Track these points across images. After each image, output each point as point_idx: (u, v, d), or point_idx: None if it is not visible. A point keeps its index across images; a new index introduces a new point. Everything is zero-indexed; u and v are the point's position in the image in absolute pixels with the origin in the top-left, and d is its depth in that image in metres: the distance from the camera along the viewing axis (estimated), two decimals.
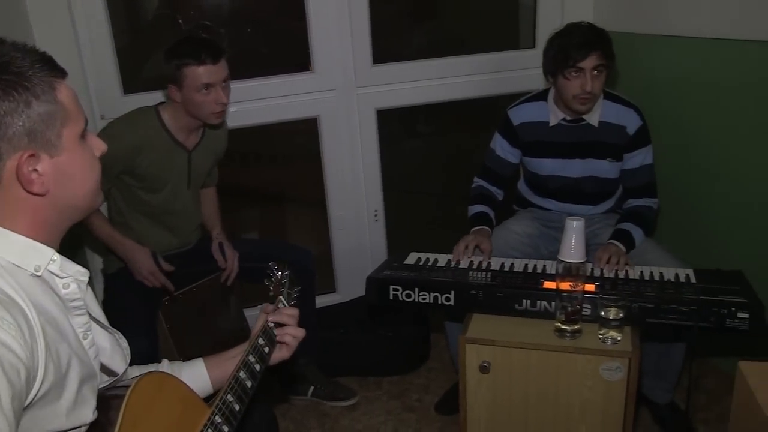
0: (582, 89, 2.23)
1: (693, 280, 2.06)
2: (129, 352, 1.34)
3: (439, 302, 2.07)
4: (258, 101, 2.85)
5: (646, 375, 2.41)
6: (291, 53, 3.05)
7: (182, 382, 1.31)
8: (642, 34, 2.81)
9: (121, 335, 1.32)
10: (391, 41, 3.20)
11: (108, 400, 1.33)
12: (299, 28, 2.82)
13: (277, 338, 1.52)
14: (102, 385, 1.26)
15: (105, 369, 1.27)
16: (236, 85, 2.74)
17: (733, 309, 1.85)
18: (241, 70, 2.80)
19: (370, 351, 2.83)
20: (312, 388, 2.70)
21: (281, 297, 1.57)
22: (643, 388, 2.44)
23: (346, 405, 2.68)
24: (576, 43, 2.22)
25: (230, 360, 1.49)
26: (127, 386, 1.15)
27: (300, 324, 1.56)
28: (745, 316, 1.84)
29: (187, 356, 1.61)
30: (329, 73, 2.88)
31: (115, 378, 1.30)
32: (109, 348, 1.28)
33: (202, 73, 2.16)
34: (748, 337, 1.91)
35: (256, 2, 3.08)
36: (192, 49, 2.17)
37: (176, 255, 2.46)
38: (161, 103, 2.36)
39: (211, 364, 1.50)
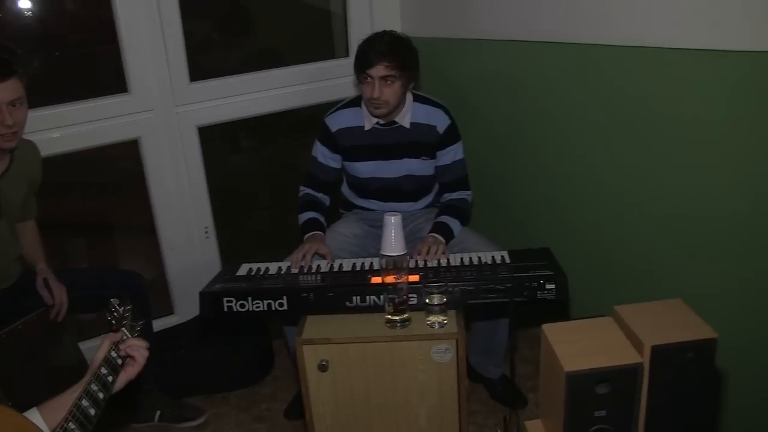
0: (371, 95, 2.36)
1: (508, 260, 2.23)
2: None
3: (273, 308, 2.11)
4: (74, 126, 2.73)
5: (478, 354, 2.59)
6: (108, 76, 2.96)
7: (15, 411, 1.24)
8: (445, 38, 3.00)
9: None
10: (208, 58, 3.19)
11: None
12: (113, 50, 2.75)
13: (126, 361, 1.50)
14: None
15: None
16: (50, 111, 2.66)
17: (542, 282, 2.04)
18: (55, 96, 2.69)
19: (213, 367, 2.82)
20: (158, 412, 2.64)
21: (124, 329, 1.55)
22: (477, 367, 2.63)
23: (195, 425, 2.66)
24: (368, 51, 2.34)
25: (69, 403, 1.38)
26: None
27: None
28: (552, 287, 2.03)
29: (19, 401, 1.49)
30: (146, 93, 2.83)
31: None
32: None
33: None
34: (562, 306, 2.09)
35: (67, 27, 2.96)
36: None
37: None
38: None
39: (48, 411, 1.37)
